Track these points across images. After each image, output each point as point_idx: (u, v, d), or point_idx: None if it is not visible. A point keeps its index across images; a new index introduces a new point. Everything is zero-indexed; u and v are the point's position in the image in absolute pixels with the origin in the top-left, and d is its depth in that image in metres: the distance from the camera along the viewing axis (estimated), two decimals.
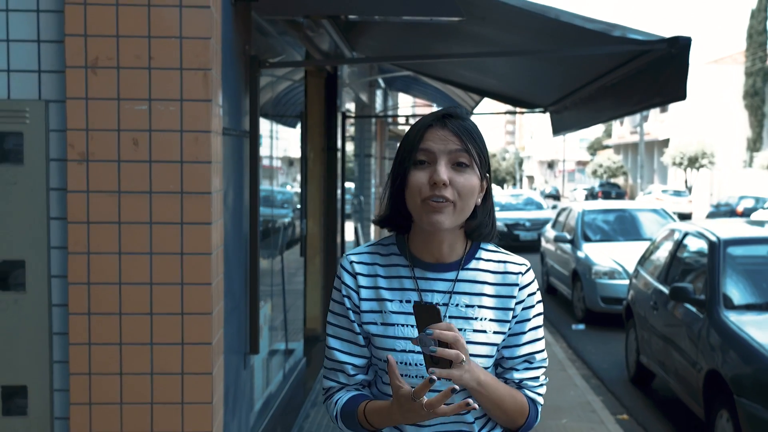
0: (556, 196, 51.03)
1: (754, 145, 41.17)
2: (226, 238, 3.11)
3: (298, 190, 5.92)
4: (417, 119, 1.61)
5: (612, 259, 9.88)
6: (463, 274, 1.63)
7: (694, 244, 6.15)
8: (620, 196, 40.16)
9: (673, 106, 42.31)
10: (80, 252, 2.76)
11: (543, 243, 13.15)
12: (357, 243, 9.97)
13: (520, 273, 1.65)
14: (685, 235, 6.45)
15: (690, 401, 5.33)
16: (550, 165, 79.07)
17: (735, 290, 5.30)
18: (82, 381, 2.79)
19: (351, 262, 1.67)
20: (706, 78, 43.01)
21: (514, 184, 72.75)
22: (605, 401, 6.41)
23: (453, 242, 1.62)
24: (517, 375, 1.66)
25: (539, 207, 21.71)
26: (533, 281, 1.67)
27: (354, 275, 1.65)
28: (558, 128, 6.37)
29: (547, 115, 6.62)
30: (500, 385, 1.60)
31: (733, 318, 4.91)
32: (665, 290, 6.04)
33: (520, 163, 77.98)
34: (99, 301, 2.77)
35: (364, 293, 1.65)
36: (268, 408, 4.39)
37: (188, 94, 2.75)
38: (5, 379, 2.83)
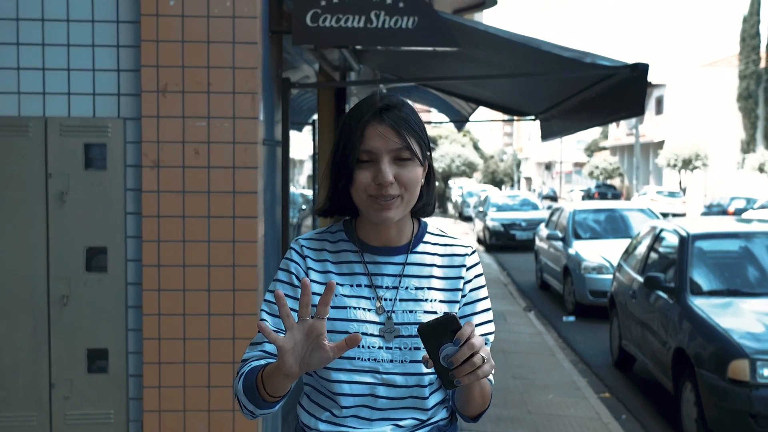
0: (553, 197, 51.51)
1: (748, 147, 41.68)
2: (265, 230, 3.77)
3: (310, 190, 6.57)
4: (353, 106, 1.62)
5: (600, 255, 10.51)
6: (412, 258, 1.65)
7: (669, 239, 6.83)
8: (616, 197, 40.67)
9: (668, 108, 43.07)
10: (152, 240, 3.43)
11: (537, 241, 13.78)
12: None
13: (466, 254, 1.68)
14: (662, 231, 7.13)
15: (662, 377, 6.00)
16: (548, 166, 79.68)
17: (701, 278, 5.98)
18: (153, 345, 3.46)
19: (301, 246, 1.66)
20: (700, 81, 43.57)
21: (512, 186, 73.30)
22: (590, 382, 7.07)
23: (401, 226, 1.64)
24: None
25: (535, 207, 22.34)
26: (479, 263, 1.71)
27: (303, 257, 1.65)
28: (546, 134, 7.03)
29: (537, 122, 7.29)
30: None
31: (698, 302, 5.59)
32: (641, 280, 6.72)
33: (518, 165, 78.59)
34: (167, 280, 3.44)
35: (312, 275, 1.63)
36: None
37: (239, 113, 3.42)
38: (90, 344, 3.50)
